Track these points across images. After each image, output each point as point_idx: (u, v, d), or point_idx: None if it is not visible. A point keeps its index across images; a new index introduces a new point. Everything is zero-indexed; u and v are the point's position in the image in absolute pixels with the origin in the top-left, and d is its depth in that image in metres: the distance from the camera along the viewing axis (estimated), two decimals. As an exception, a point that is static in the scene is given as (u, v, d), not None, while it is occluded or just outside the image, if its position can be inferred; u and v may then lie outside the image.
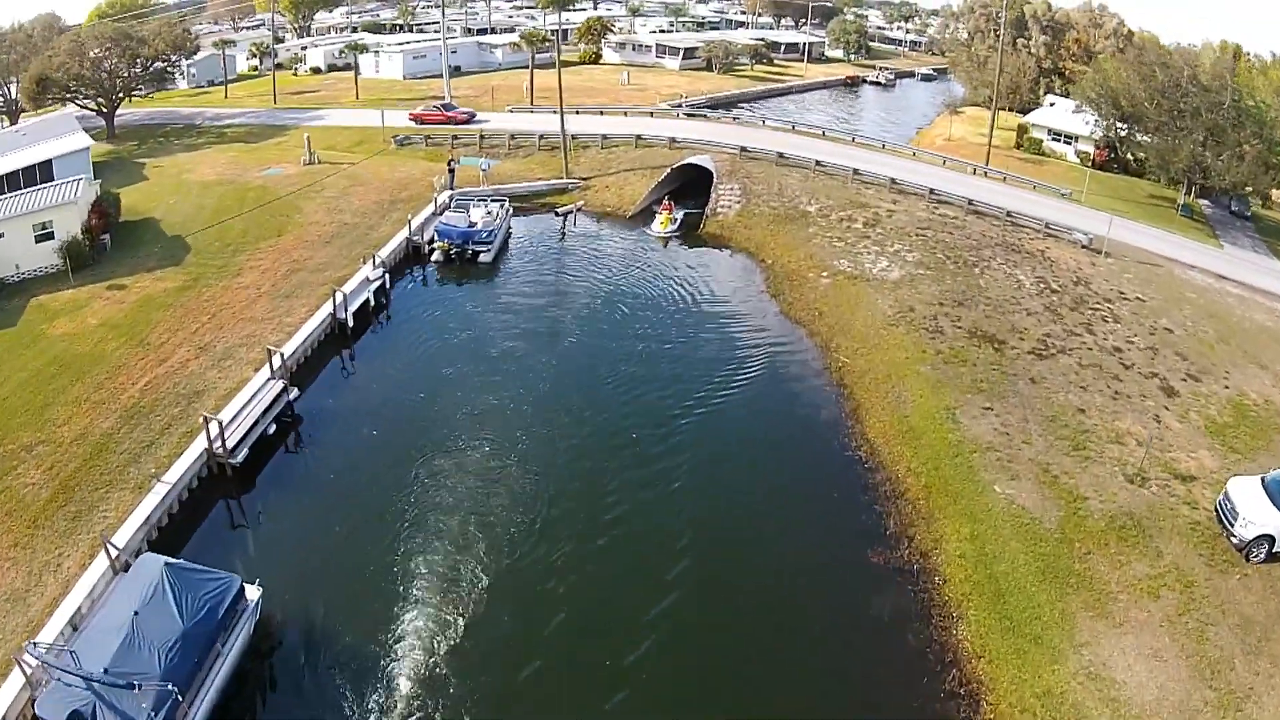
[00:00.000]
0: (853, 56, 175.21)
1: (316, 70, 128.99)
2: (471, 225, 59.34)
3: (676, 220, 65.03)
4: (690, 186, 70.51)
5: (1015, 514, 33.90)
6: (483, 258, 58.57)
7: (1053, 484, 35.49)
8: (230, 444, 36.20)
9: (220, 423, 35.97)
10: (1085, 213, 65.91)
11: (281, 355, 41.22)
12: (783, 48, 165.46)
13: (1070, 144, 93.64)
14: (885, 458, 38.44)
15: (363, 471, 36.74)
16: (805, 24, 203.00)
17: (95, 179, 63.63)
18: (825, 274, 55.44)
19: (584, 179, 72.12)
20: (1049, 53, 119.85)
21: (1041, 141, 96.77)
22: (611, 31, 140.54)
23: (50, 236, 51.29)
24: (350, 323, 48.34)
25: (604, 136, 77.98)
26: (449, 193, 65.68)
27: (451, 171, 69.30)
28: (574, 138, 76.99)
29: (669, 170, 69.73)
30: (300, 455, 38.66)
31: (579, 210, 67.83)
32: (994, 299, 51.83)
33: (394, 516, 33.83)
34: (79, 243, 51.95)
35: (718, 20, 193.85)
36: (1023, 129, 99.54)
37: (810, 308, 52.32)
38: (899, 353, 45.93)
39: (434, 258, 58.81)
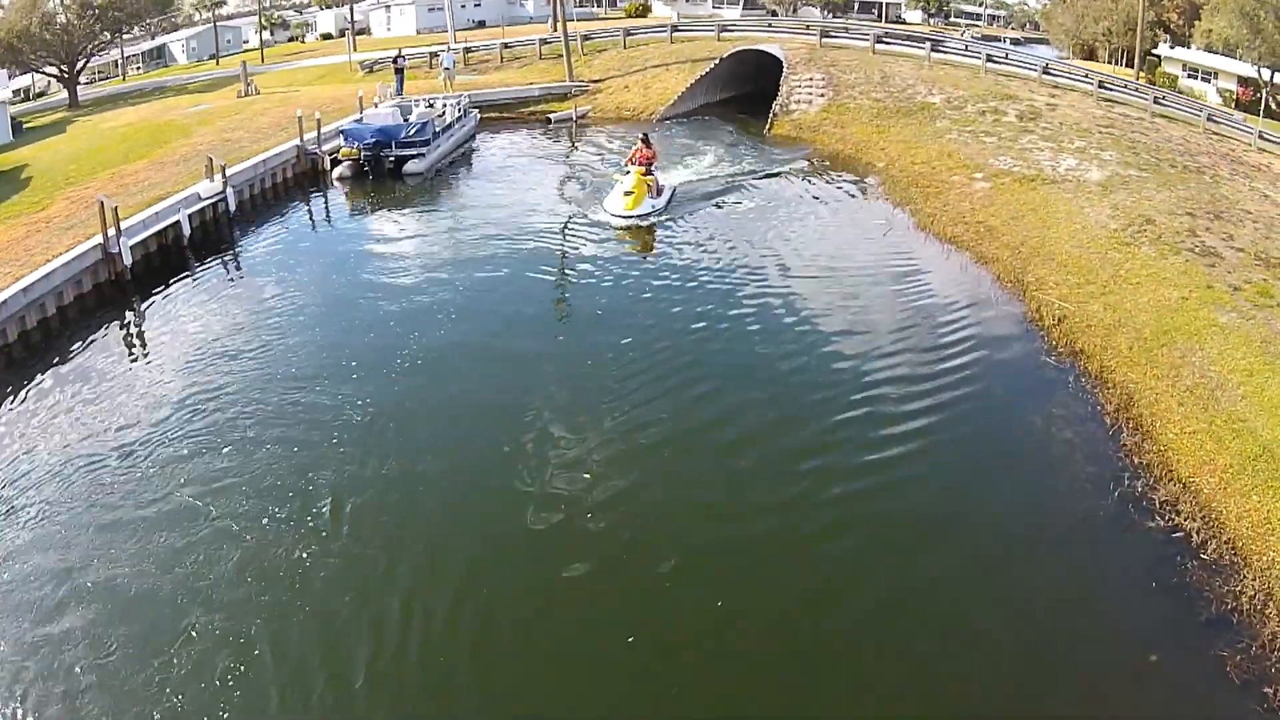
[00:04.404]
0: (932, 20, 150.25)
1: (327, 36, 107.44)
2: (396, 123, 35.77)
3: (660, 193, 30.16)
4: (746, 97, 46.22)
5: None
6: (410, 167, 34.95)
7: None
8: None
9: None
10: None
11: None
12: (856, 5, 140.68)
13: (1210, 81, 72.88)
14: (1236, 532, 14.10)
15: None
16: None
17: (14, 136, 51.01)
18: (979, 175, 31.53)
19: (595, 81, 48.07)
20: (1151, 4, 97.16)
21: (1177, 79, 74.90)
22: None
23: None
24: (129, 261, 25.65)
25: (627, 33, 53.73)
26: (395, 102, 41.53)
27: (399, 72, 45.78)
28: (586, 38, 53.17)
29: (718, 60, 45.26)
30: None
31: (581, 118, 43.84)
32: (1256, 215, 28.39)
33: None
34: (-104, 192, 34.58)
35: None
36: (1154, 65, 77.79)
37: (967, 221, 27.92)
38: (1166, 289, 21.85)
39: (336, 174, 35.59)
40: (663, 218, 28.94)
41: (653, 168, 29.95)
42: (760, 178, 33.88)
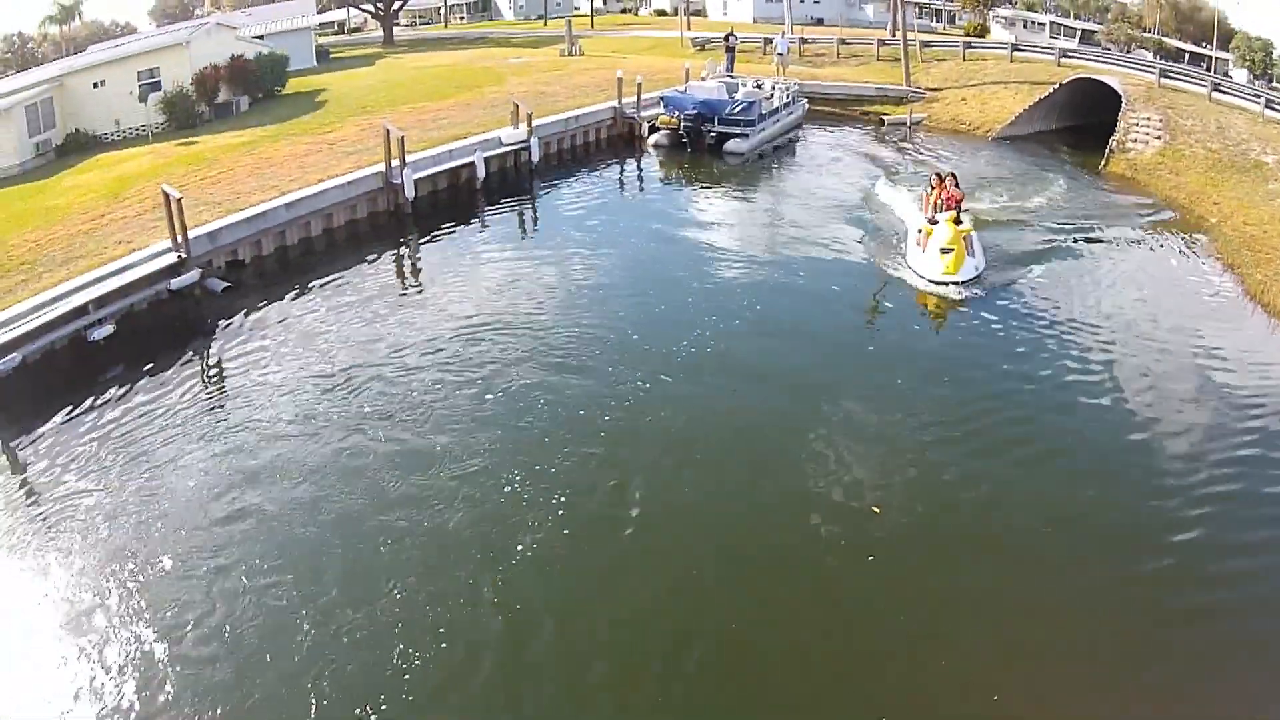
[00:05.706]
0: (1257, 82, 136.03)
1: (661, 13, 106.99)
2: (721, 98, 32.86)
3: (974, 251, 21.98)
4: (1078, 129, 41.19)
5: None
6: (732, 146, 31.66)
7: None
8: None
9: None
10: None
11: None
12: (1187, 57, 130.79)
13: None
14: None
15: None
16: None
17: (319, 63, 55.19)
18: (1306, 247, 26.09)
19: (931, 89, 43.37)
20: None
21: None
22: (999, 4, 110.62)
23: (157, 87, 37.16)
24: (411, 194, 24.64)
25: (967, 45, 49.25)
26: (722, 78, 38.77)
27: (730, 50, 42.99)
28: (926, 45, 48.98)
29: (1057, 86, 40.44)
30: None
31: (915, 125, 39.64)
32: None
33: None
34: (185, 95, 36.90)
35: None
36: None
37: (1301, 296, 22.23)
38: None
39: (652, 141, 33.14)
40: (978, 287, 21.24)
41: (962, 212, 22.54)
42: (1095, 234, 27.68)
